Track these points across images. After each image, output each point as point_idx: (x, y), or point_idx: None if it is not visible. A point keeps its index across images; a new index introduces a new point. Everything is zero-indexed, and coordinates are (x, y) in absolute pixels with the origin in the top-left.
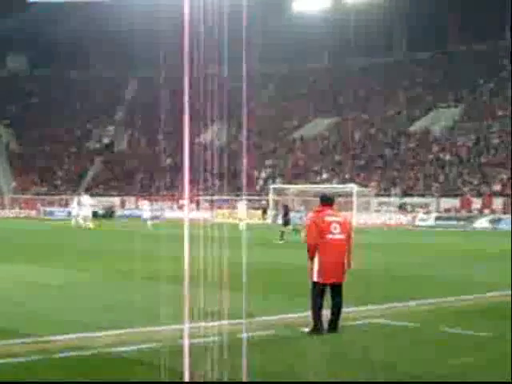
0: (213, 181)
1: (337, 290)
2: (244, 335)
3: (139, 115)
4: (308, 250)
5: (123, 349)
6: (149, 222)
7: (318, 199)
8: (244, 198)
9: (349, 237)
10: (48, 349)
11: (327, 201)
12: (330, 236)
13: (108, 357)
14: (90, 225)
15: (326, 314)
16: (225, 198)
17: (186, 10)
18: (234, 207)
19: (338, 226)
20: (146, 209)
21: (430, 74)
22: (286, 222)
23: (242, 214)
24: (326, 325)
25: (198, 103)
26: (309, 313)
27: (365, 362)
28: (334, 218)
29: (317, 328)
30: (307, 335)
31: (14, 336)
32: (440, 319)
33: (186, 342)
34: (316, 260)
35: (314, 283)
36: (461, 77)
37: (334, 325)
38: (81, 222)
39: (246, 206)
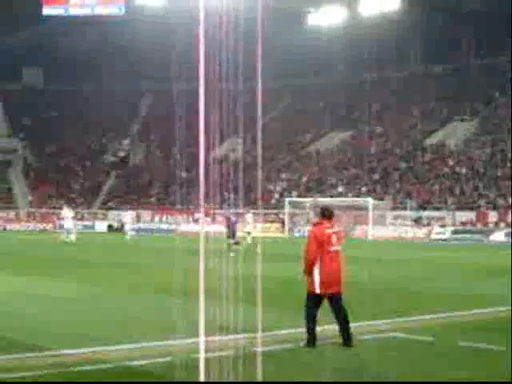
0: (228, 194)
1: (335, 302)
2: (259, 349)
3: (154, 129)
4: (306, 264)
5: (137, 362)
6: (129, 234)
7: (318, 212)
8: (251, 211)
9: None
10: (62, 362)
11: (328, 214)
12: (332, 248)
13: (122, 370)
14: (72, 238)
15: (331, 327)
16: (240, 211)
17: (202, 25)
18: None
19: (335, 236)
20: (128, 220)
21: (445, 87)
22: (232, 234)
23: (250, 227)
24: (340, 340)
25: (214, 117)
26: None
27: (378, 376)
28: (333, 230)
29: (310, 340)
30: (305, 348)
31: (28, 350)
32: (453, 333)
33: (202, 356)
34: (317, 272)
35: (312, 295)
36: (476, 90)
37: (347, 337)
38: (62, 235)
39: (254, 218)
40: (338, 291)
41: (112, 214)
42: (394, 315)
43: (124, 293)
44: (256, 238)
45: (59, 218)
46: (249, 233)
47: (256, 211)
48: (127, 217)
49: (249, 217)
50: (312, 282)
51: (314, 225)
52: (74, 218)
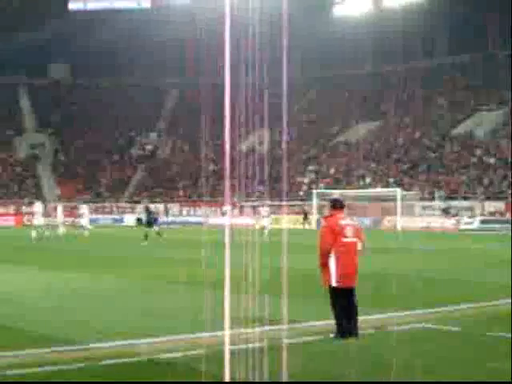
0: (256, 187)
1: (350, 294)
2: (285, 340)
3: (182, 122)
4: (320, 256)
5: (166, 355)
6: (87, 229)
7: (329, 203)
8: (266, 203)
9: (360, 240)
10: (93, 356)
11: (339, 205)
12: (345, 239)
13: (151, 364)
14: (46, 233)
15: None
16: (268, 203)
17: (227, 18)
18: (275, 213)
19: (351, 228)
20: (85, 214)
21: (472, 76)
22: (149, 224)
23: (266, 220)
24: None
25: (240, 110)
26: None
27: (407, 366)
28: (347, 222)
29: (342, 332)
30: (337, 339)
31: (59, 343)
32: (481, 323)
33: (227, 348)
34: (333, 264)
35: (332, 289)
36: (503, 79)
37: (354, 330)
38: (33, 233)
39: (269, 212)
40: (353, 285)
41: (140, 207)
42: (422, 306)
43: (151, 286)
44: (271, 231)
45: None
46: (263, 227)
47: (266, 203)
48: (83, 209)
49: (264, 210)
50: (328, 275)
51: (326, 217)
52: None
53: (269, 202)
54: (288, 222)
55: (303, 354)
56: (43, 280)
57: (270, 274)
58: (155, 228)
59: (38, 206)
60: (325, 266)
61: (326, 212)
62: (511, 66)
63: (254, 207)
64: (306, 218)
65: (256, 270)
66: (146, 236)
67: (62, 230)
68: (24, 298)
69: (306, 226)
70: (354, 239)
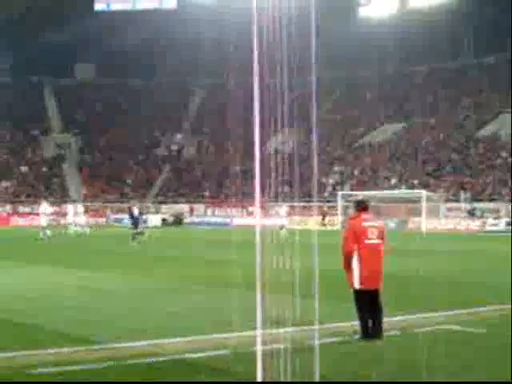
0: (282, 187)
1: (374, 296)
2: (315, 342)
3: (207, 122)
4: (344, 258)
5: (193, 355)
6: (73, 228)
7: (354, 205)
8: (285, 203)
9: (384, 240)
10: (117, 356)
11: (363, 206)
12: (368, 241)
13: (178, 363)
14: (48, 233)
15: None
16: (294, 204)
17: (254, 17)
18: (302, 214)
19: (375, 230)
20: (71, 213)
21: (497, 77)
22: (135, 225)
23: (283, 220)
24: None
25: (266, 109)
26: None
27: (432, 368)
28: (371, 223)
29: (366, 333)
30: (361, 341)
31: (84, 343)
32: (506, 325)
33: (259, 348)
34: (356, 266)
35: (356, 291)
36: None
37: (378, 333)
38: (41, 233)
39: (288, 211)
40: (378, 287)
41: (165, 207)
42: (448, 307)
43: (178, 286)
44: (289, 231)
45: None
46: (282, 227)
47: (284, 203)
48: (68, 208)
49: (282, 211)
50: (351, 277)
51: (352, 218)
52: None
53: (287, 203)
54: (310, 222)
55: (330, 356)
56: (68, 279)
57: (296, 275)
58: (138, 229)
59: (43, 206)
60: (348, 267)
61: (352, 213)
62: None
63: (276, 207)
64: (324, 218)
65: (284, 270)
66: (134, 238)
67: (73, 230)
68: (50, 297)
69: (323, 227)
70: (378, 240)
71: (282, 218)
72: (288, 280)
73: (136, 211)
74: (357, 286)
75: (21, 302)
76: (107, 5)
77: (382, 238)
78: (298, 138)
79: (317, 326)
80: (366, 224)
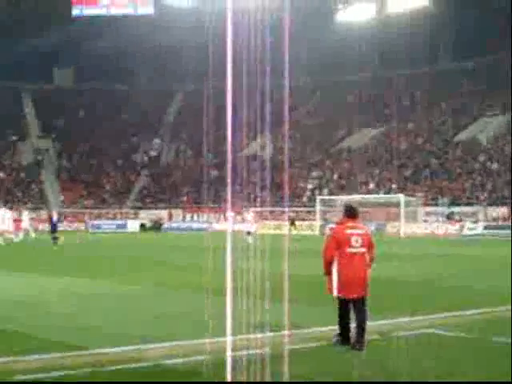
0: (259, 192)
1: (359, 305)
2: (289, 347)
3: (185, 128)
4: (324, 265)
5: (175, 361)
6: (20, 235)
7: (342, 210)
8: (252, 207)
9: (370, 249)
10: (99, 362)
11: (351, 212)
12: (350, 250)
13: (159, 369)
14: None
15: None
16: (270, 209)
17: (229, 24)
18: (276, 218)
19: (359, 238)
20: (25, 219)
21: (475, 82)
22: (53, 229)
23: (250, 226)
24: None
25: (244, 115)
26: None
27: (414, 372)
28: (355, 231)
29: (343, 336)
30: (337, 346)
31: (66, 349)
32: (489, 329)
33: (229, 354)
34: (335, 274)
35: (338, 299)
36: (507, 84)
37: (358, 343)
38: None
39: (255, 216)
40: (360, 295)
41: (143, 213)
42: (428, 312)
43: (157, 291)
44: (259, 236)
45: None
46: (249, 233)
47: (252, 208)
48: (24, 215)
49: (249, 216)
50: (330, 284)
51: (337, 223)
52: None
53: (254, 208)
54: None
55: (308, 361)
56: (54, 286)
57: (272, 280)
58: (55, 234)
59: (1, 211)
60: (328, 274)
61: (338, 218)
62: None
63: (244, 213)
64: (292, 224)
65: (257, 275)
66: (54, 241)
67: (22, 236)
68: (37, 303)
69: (293, 232)
70: (362, 249)
71: (248, 223)
72: (259, 285)
73: (55, 217)
74: (335, 293)
75: (4, 308)
76: (85, 10)
77: (368, 247)
78: (275, 142)
79: (286, 332)
80: (349, 232)
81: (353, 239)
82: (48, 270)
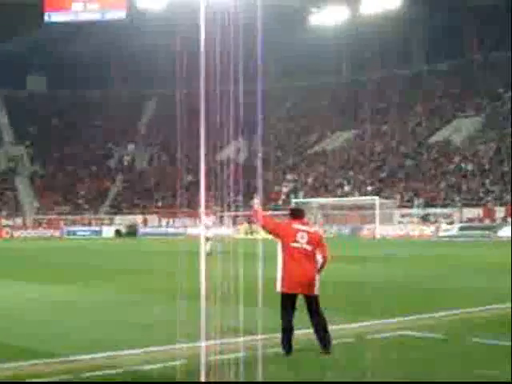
0: (234, 196)
1: (311, 305)
2: (262, 351)
3: (159, 132)
4: (257, 218)
5: (149, 367)
6: None
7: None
8: (210, 212)
9: (318, 248)
10: (74, 368)
11: (297, 214)
12: (295, 244)
13: (134, 375)
14: None
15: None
16: (246, 213)
17: (202, 28)
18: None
19: (305, 235)
20: None
21: (449, 84)
22: None
23: (209, 231)
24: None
25: (217, 119)
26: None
27: (389, 374)
28: (302, 227)
29: (282, 338)
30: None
31: (41, 356)
32: (465, 330)
33: (203, 360)
34: (279, 269)
35: (280, 294)
36: (480, 86)
37: (323, 343)
38: None
39: (214, 221)
40: (307, 291)
41: (119, 219)
42: (404, 313)
43: (137, 297)
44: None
45: None
46: (207, 239)
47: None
48: None
49: (209, 221)
50: (275, 279)
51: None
52: None
53: (213, 211)
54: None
55: (279, 365)
56: (29, 293)
57: (245, 285)
58: None
59: None
60: (256, 217)
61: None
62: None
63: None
64: (251, 227)
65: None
66: None
67: None
68: (10, 311)
69: (250, 236)
70: (307, 246)
71: (207, 228)
72: (238, 288)
73: None
74: (278, 288)
75: None
76: (58, 16)
77: (316, 245)
78: (250, 147)
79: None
80: (295, 226)
81: (298, 235)
82: (21, 276)
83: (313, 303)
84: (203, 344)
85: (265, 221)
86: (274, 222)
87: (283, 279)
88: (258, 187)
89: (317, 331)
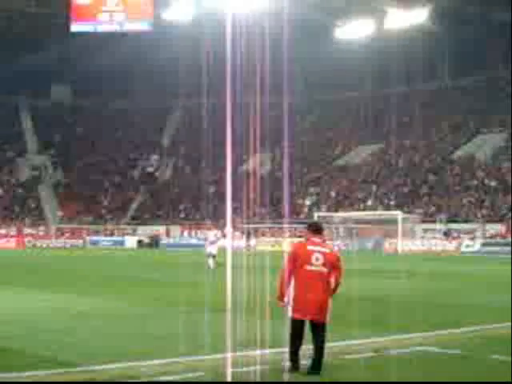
0: (257, 209)
1: (316, 330)
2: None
3: (183, 143)
4: (279, 286)
5: (167, 378)
6: None
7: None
8: (214, 229)
9: (333, 270)
10: (92, 379)
11: (315, 229)
12: (309, 267)
13: None
14: None
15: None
16: (269, 225)
17: (229, 40)
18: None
19: (320, 256)
20: None
21: (473, 99)
22: None
23: (212, 247)
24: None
25: (242, 131)
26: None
27: None
28: (317, 248)
29: (291, 361)
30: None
31: (59, 366)
32: (485, 347)
33: (229, 371)
34: (291, 292)
35: (292, 319)
36: (504, 102)
37: (315, 367)
38: None
39: (218, 236)
40: (316, 319)
41: (141, 229)
42: (424, 329)
43: (153, 308)
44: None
45: None
46: (214, 256)
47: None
48: None
49: (212, 235)
50: (287, 304)
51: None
52: None
53: (215, 226)
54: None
55: (304, 376)
56: (45, 302)
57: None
58: None
59: None
60: (282, 297)
61: (304, 236)
62: None
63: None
64: (248, 239)
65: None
66: None
67: None
68: (27, 319)
69: (247, 249)
70: (323, 269)
71: (211, 244)
72: (262, 301)
73: None
74: (289, 314)
75: None
76: (84, 27)
77: (332, 267)
78: (273, 159)
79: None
80: (311, 248)
81: (313, 256)
82: (40, 285)
83: (320, 330)
84: (229, 355)
85: (283, 276)
86: (288, 263)
87: (296, 304)
88: (284, 199)
89: (316, 352)
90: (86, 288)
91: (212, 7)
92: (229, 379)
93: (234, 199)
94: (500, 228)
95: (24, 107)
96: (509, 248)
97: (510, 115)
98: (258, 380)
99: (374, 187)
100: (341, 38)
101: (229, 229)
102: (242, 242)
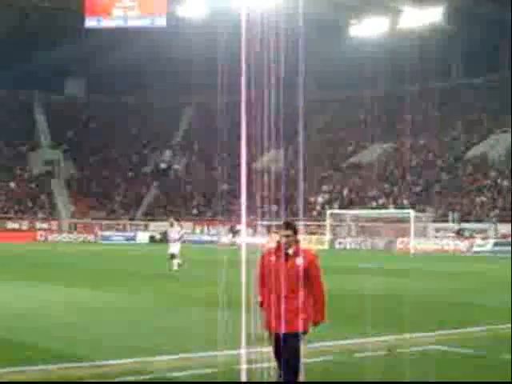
0: (269, 206)
1: (284, 342)
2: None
3: (196, 140)
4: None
5: (179, 374)
6: None
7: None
8: (176, 222)
9: (310, 279)
10: (105, 373)
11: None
12: (274, 276)
13: (164, 382)
14: None
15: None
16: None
17: (244, 37)
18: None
19: (290, 262)
20: None
21: (487, 99)
22: None
23: (173, 246)
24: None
25: (255, 128)
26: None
27: None
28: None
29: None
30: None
31: (72, 360)
32: (495, 346)
33: (244, 367)
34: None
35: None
36: None
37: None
38: None
39: (181, 233)
40: (287, 330)
41: (153, 225)
42: (436, 328)
43: (166, 304)
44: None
45: None
46: (171, 256)
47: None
48: None
49: (174, 232)
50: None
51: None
52: None
53: (176, 221)
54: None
55: (317, 374)
56: (58, 296)
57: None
58: None
59: None
60: (260, 305)
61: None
62: None
63: (267, 227)
64: (234, 235)
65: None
66: None
67: None
68: (39, 314)
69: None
70: (292, 276)
71: (173, 243)
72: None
73: None
74: (264, 326)
75: (8, 319)
76: (98, 22)
77: (306, 277)
78: (286, 157)
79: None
80: (273, 257)
81: (279, 262)
82: (52, 280)
83: (288, 341)
84: (243, 351)
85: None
86: (259, 275)
87: (267, 317)
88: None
89: (282, 366)
90: (99, 283)
91: (226, 4)
92: (243, 376)
93: (247, 196)
94: None
95: (37, 102)
96: None
97: None
98: (271, 377)
99: (387, 186)
100: (355, 36)
101: (243, 226)
102: (255, 239)
